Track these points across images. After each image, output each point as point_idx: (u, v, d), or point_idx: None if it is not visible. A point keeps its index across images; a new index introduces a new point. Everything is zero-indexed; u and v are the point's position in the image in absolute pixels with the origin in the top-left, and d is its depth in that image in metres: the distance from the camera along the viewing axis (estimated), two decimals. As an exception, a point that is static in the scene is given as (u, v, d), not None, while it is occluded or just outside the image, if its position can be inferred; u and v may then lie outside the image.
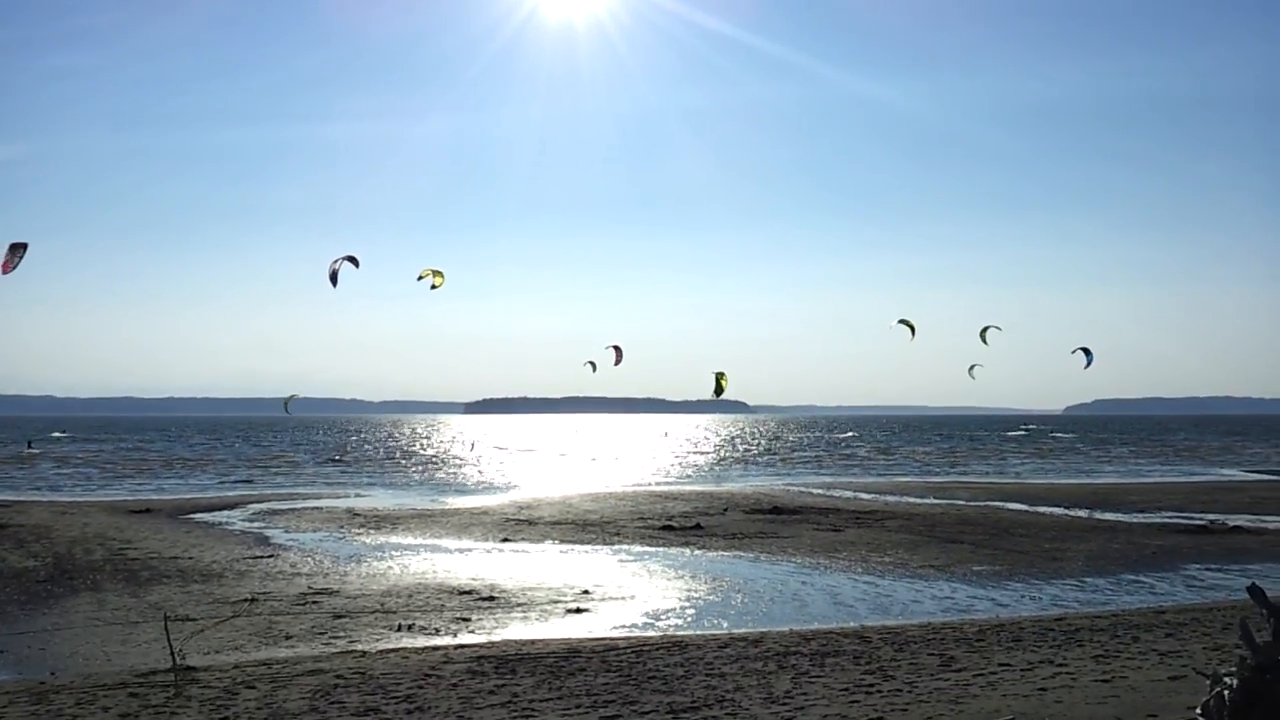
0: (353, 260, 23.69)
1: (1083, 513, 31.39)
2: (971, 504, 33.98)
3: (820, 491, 40.40)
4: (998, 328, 29.86)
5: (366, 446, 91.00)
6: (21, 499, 37.24)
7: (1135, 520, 29.18)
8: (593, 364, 39.14)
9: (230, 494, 40.13)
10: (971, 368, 34.62)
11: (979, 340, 29.94)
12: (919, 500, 35.95)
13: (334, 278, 23.58)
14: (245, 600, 16.75)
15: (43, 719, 9.53)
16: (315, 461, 65.15)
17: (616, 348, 27.14)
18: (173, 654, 11.72)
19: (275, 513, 32.11)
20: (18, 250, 21.03)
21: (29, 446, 78.52)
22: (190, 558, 21.59)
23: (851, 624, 14.92)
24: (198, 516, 30.85)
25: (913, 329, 29.96)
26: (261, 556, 21.91)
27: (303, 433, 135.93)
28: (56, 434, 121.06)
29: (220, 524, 28.99)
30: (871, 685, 10.46)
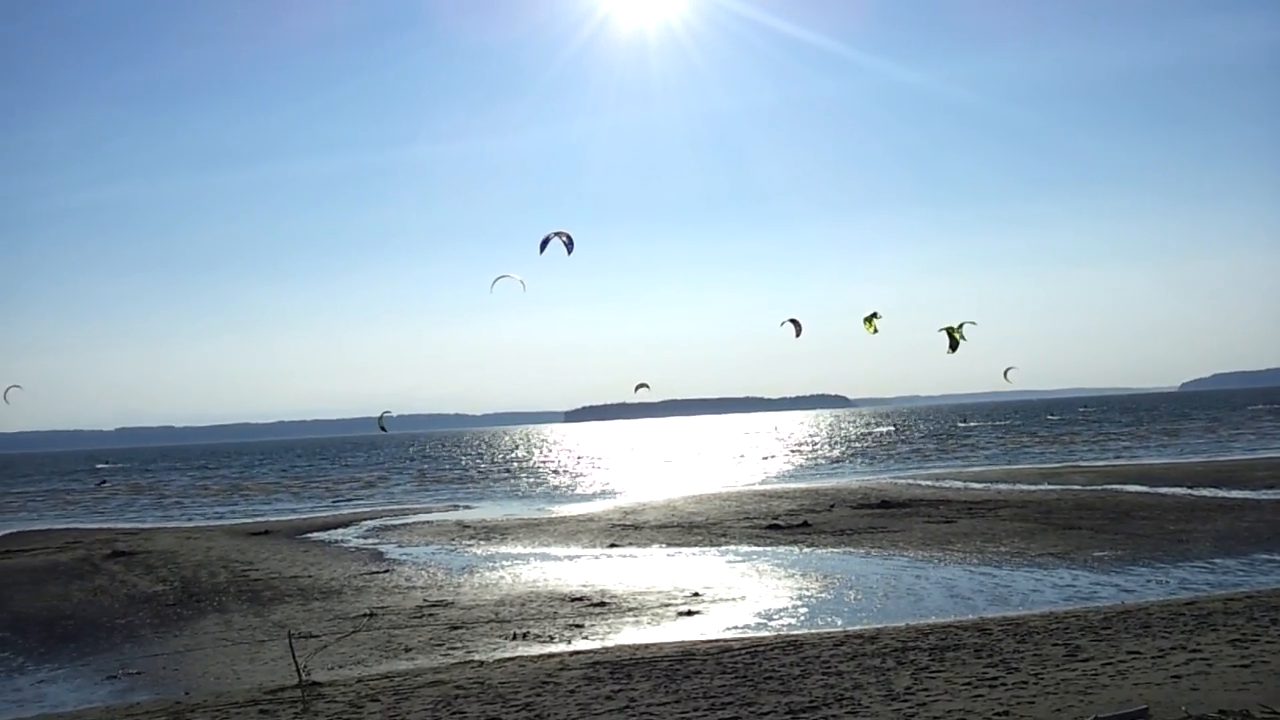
0: (567, 242, 24.12)
1: (1207, 492, 30.19)
2: (1088, 488, 32.95)
3: (928, 483, 39.64)
4: (973, 323, 28.58)
5: (470, 459, 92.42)
6: (148, 526, 38.77)
7: (1265, 497, 27.95)
8: (644, 385, 39.31)
9: (343, 512, 41.12)
10: (1006, 371, 33.28)
11: (944, 336, 28.62)
12: (1032, 487, 34.99)
13: (544, 244, 24.01)
14: (364, 615, 17.13)
15: (180, 737, 9.87)
16: (419, 476, 66.38)
17: (795, 321, 27.37)
18: (298, 670, 12.04)
19: (387, 528, 32.81)
20: None
21: (103, 482, 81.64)
22: (309, 576, 22.17)
23: (970, 616, 14.58)
24: (314, 535, 31.68)
25: (954, 339, 28.31)
26: (377, 572, 22.39)
27: (406, 449, 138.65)
28: (110, 465, 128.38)
29: (336, 542, 29.72)
30: (995, 679, 10.19)
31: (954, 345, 27.10)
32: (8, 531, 39.26)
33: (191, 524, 39.45)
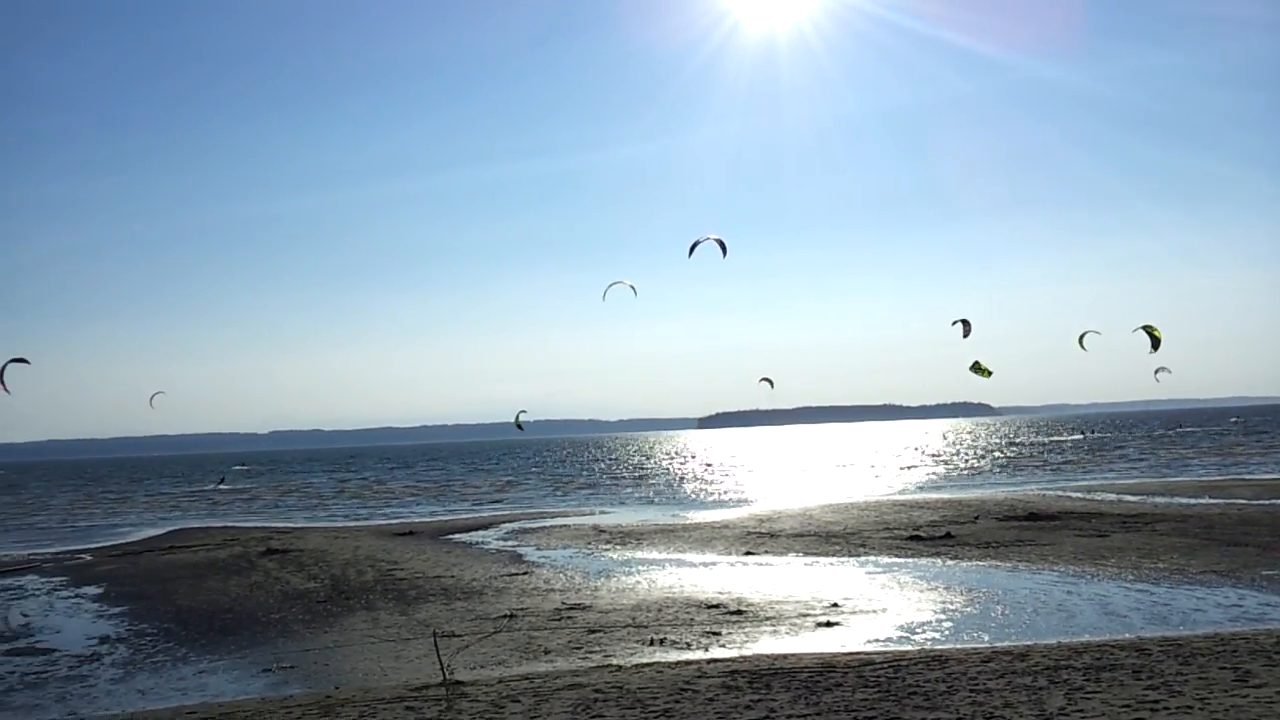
0: (721, 244, 24.55)
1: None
2: (1255, 503, 31.11)
3: (1079, 495, 38.10)
4: (1096, 332, 27.20)
5: (604, 464, 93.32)
6: (299, 526, 40.38)
7: None
8: (769, 381, 38.70)
9: (483, 515, 42.02)
10: (1157, 371, 31.53)
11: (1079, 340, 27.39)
12: (1192, 500, 33.25)
13: (693, 248, 24.49)
14: (505, 616, 17.42)
15: (331, 730, 10.19)
16: (554, 481, 67.32)
17: (965, 321, 27.12)
18: (442, 669, 12.32)
19: (526, 531, 33.35)
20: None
21: (221, 482, 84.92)
22: (452, 576, 22.69)
23: (1126, 635, 13.90)
24: (456, 537, 32.43)
25: (1155, 338, 27.23)
26: (516, 574, 22.76)
27: (540, 453, 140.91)
28: (245, 466, 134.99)
29: (476, 543, 30.36)
30: (1156, 702, 9.67)
31: (1155, 344, 26.15)
32: (170, 529, 41.48)
33: (339, 524, 40.91)
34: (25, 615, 20.40)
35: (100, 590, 23.51)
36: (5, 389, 26.30)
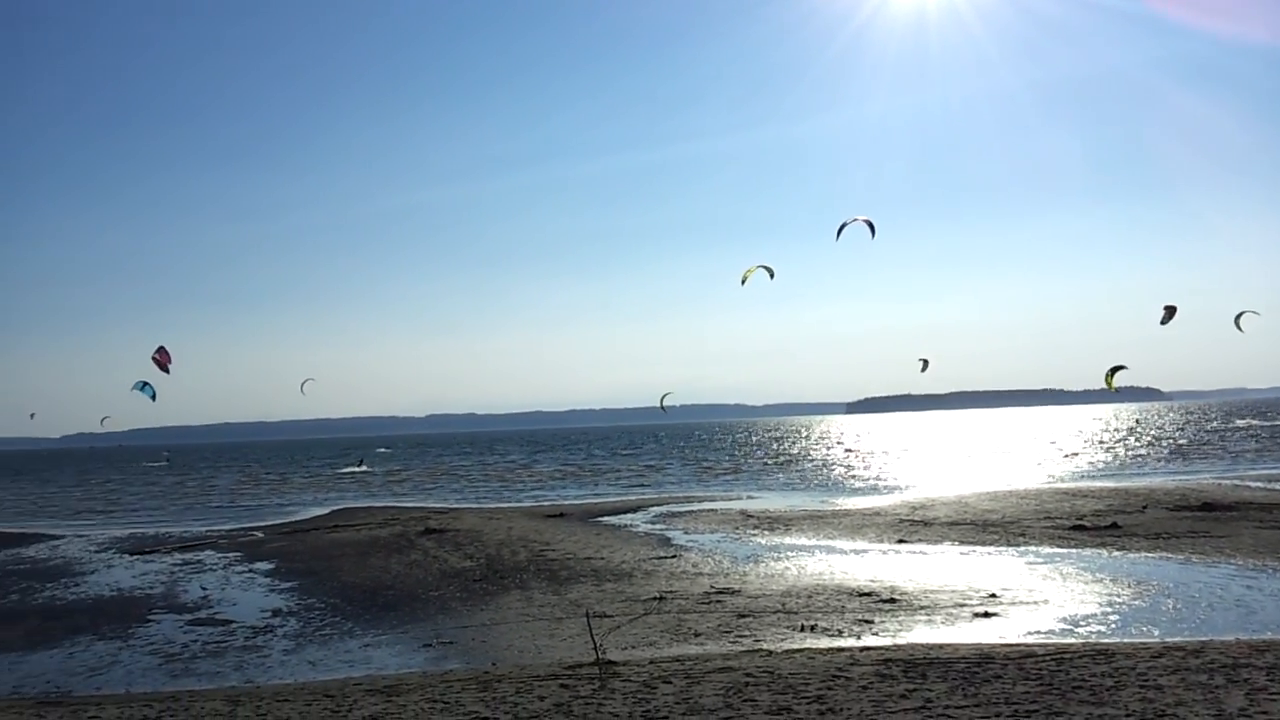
0: (870, 225, 24.53)
1: None
2: None
3: (1259, 485, 35.93)
4: (1255, 313, 25.63)
5: (751, 449, 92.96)
6: (455, 506, 41.63)
7: None
8: (925, 361, 37.57)
9: (631, 498, 42.45)
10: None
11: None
12: (1387, 492, 30.94)
13: (840, 231, 24.52)
14: (654, 599, 17.54)
15: (490, 704, 10.45)
16: (701, 465, 67.39)
17: (1171, 308, 26.37)
18: (595, 648, 12.49)
19: (673, 515, 33.53)
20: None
21: (360, 464, 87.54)
22: (602, 558, 23.00)
23: (1314, 634, 13.03)
24: (604, 520, 32.86)
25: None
26: (665, 557, 22.90)
27: (686, 437, 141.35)
28: (388, 449, 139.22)
29: (625, 526, 30.69)
30: (1350, 706, 9.02)
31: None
32: (334, 508, 43.36)
33: (491, 505, 41.98)
34: (204, 588, 21.65)
35: (271, 566, 24.76)
36: (167, 369, 28.37)
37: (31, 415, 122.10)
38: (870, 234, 24.94)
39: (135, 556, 27.89)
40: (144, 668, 14.44)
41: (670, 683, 11.04)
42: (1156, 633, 13.78)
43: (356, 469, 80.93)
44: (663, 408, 41.03)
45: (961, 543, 23.68)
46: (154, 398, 33.57)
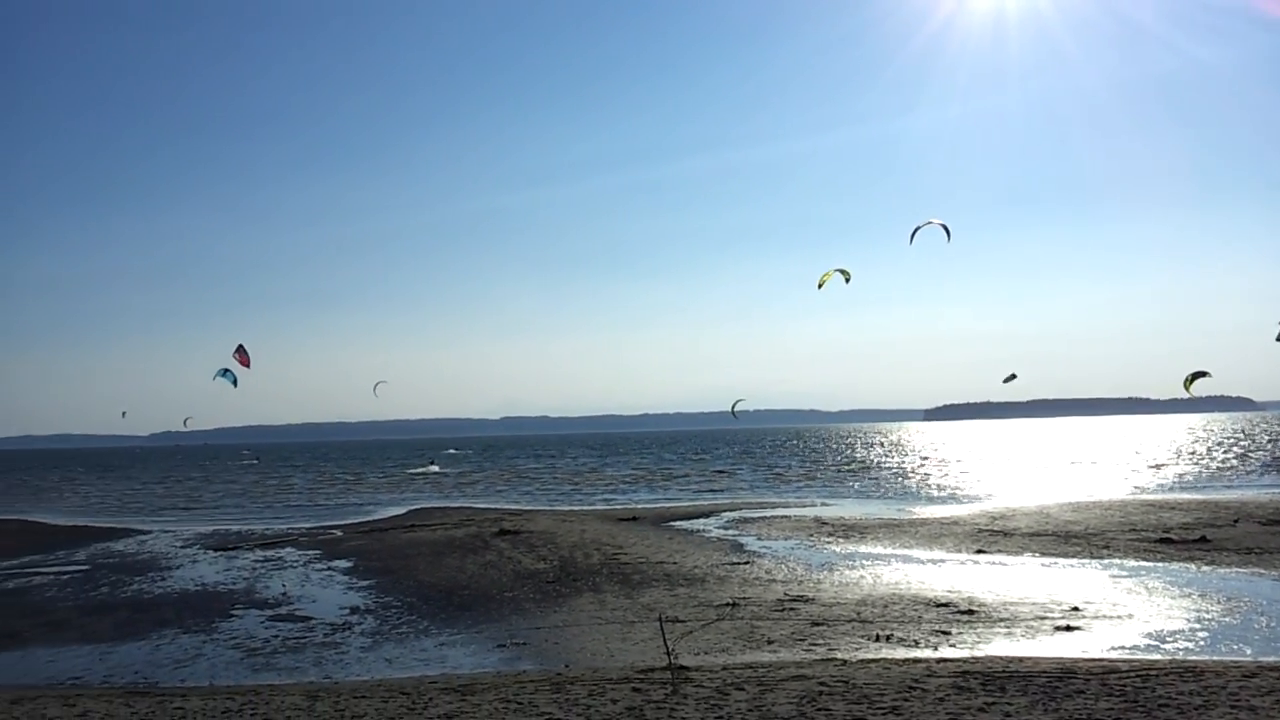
0: (945, 228, 24.39)
1: None
2: None
3: (1356, 499, 34.55)
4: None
5: (825, 455, 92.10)
6: (528, 508, 41.93)
7: None
8: (1012, 375, 36.73)
9: (703, 503, 42.33)
10: None
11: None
12: None
13: (914, 234, 24.39)
14: (727, 605, 17.46)
15: (563, 706, 10.49)
16: (773, 471, 66.95)
17: None
18: (668, 653, 12.46)
19: (746, 520, 33.36)
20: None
21: (431, 464, 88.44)
22: (674, 563, 22.96)
23: None
24: (677, 524, 32.82)
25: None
26: (738, 563, 22.79)
27: (759, 443, 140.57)
28: (458, 451, 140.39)
29: (697, 531, 30.61)
30: None
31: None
32: (410, 508, 43.98)
33: (564, 508, 42.19)
34: (285, 585, 22.10)
35: (350, 564, 25.19)
36: (247, 364, 29.45)
37: (123, 414, 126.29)
38: (946, 237, 24.55)
39: (219, 552, 28.61)
40: (226, 661, 14.79)
41: (743, 690, 10.97)
42: (1249, 651, 13.32)
43: (427, 470, 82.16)
44: (734, 414, 40.68)
45: (1042, 554, 23.17)
46: (235, 384, 34.78)
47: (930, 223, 25.03)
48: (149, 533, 36.00)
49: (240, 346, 30.39)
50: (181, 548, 30.44)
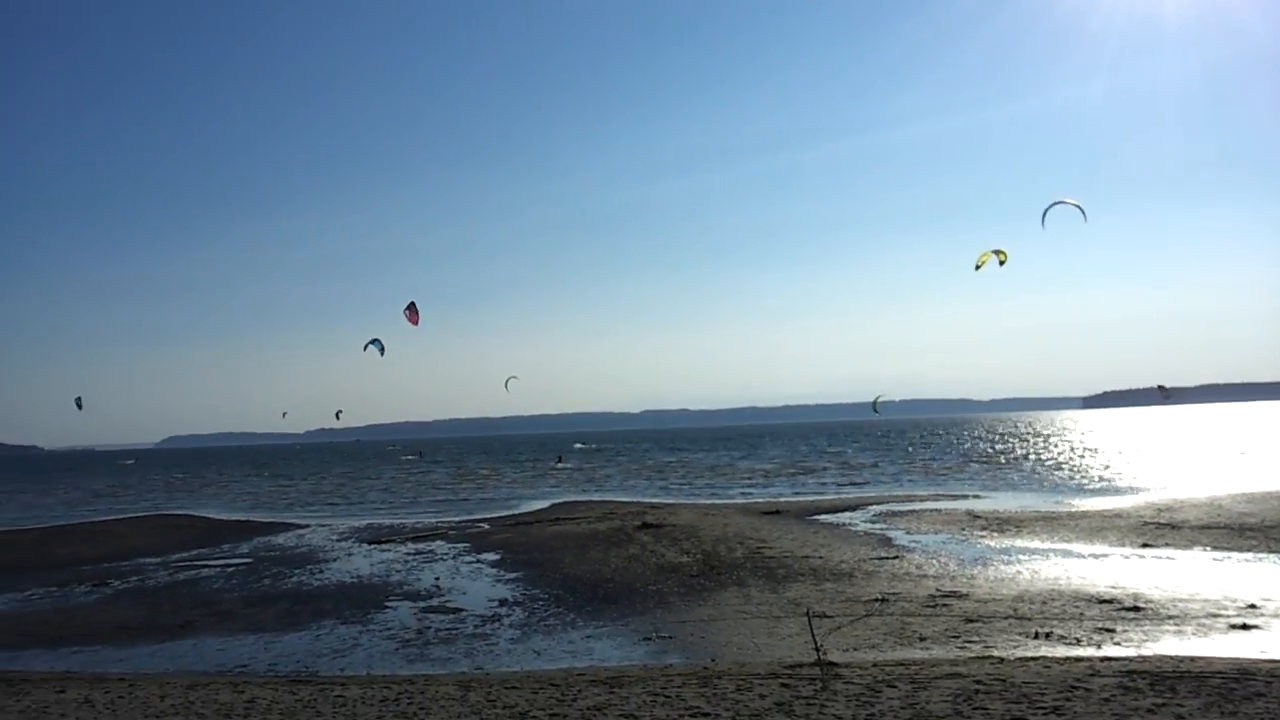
0: (1079, 208, 23.84)
1: None
2: None
3: None
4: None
5: (976, 446, 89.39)
6: (669, 502, 42.01)
7: None
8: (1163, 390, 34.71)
9: (848, 496, 41.61)
10: None
11: None
12: None
13: (1045, 216, 23.91)
14: (876, 600, 17.08)
15: (710, 700, 10.40)
16: (921, 463, 65.29)
17: None
18: (817, 648, 12.24)
19: (893, 514, 32.63)
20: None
21: (558, 460, 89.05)
22: (820, 557, 22.61)
23: None
24: (821, 518, 32.34)
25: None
26: (886, 557, 22.29)
27: (906, 434, 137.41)
28: (586, 445, 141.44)
29: (843, 525, 30.09)
30: None
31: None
32: (554, 502, 44.63)
33: (706, 501, 42.10)
34: (436, 577, 22.68)
35: (497, 557, 25.70)
36: (416, 321, 31.23)
37: (284, 414, 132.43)
38: (1082, 217, 23.54)
39: (372, 545, 29.60)
40: (382, 651, 15.24)
41: (895, 687, 10.67)
42: None
43: (556, 465, 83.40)
44: (875, 409, 39.74)
45: (1215, 548, 21.91)
46: (382, 352, 36.61)
47: (1063, 202, 24.04)
48: (306, 527, 37.55)
49: (412, 304, 32.05)
50: (337, 541, 31.63)
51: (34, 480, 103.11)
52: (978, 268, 25.71)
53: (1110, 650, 12.84)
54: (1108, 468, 54.22)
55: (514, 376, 43.02)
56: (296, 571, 24.68)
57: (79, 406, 52.59)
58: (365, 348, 36.41)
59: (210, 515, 45.80)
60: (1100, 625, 14.48)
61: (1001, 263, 25.48)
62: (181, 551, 30.47)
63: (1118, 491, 39.12)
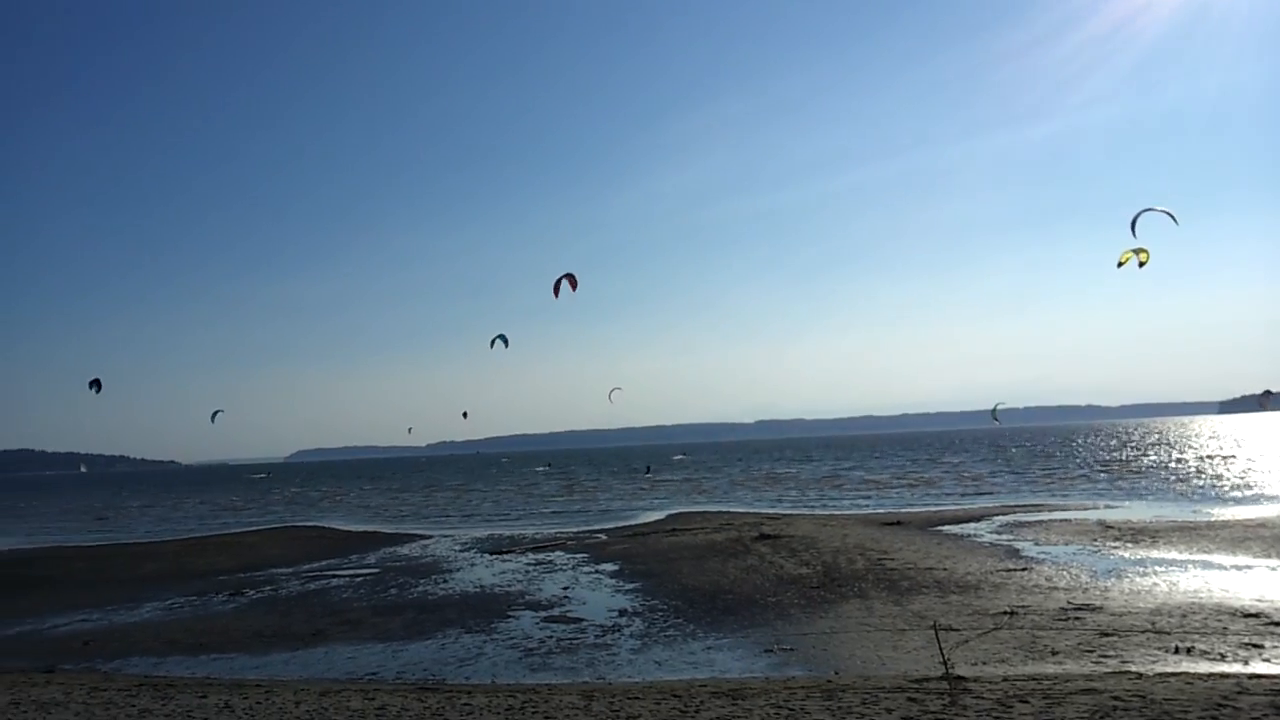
0: (1170, 215, 23.24)
1: None
2: None
3: None
4: None
5: (1103, 454, 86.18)
6: (787, 512, 41.59)
7: None
8: None
9: (972, 506, 40.55)
10: None
11: None
12: None
13: (1134, 224, 23.31)
14: (1004, 613, 16.60)
15: (835, 714, 10.25)
16: (1043, 472, 63.22)
17: None
18: (944, 662, 11.95)
19: (1021, 525, 31.68)
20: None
21: (647, 471, 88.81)
22: (944, 569, 22.09)
23: None
24: (945, 529, 31.60)
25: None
26: (1014, 569, 21.65)
27: (1027, 442, 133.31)
28: (677, 456, 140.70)
29: (968, 536, 29.35)
30: None
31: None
32: (669, 512, 44.63)
33: (823, 511, 41.55)
34: (560, 587, 22.89)
35: (616, 567, 25.82)
36: (574, 287, 32.88)
37: (409, 429, 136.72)
38: (1174, 223, 22.67)
39: (494, 556, 30.07)
40: (506, 660, 15.45)
41: (1027, 702, 10.35)
42: None
43: (645, 475, 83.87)
44: (995, 417, 38.63)
45: (1369, 560, 20.67)
46: (506, 344, 38.19)
47: (1152, 209, 23.20)
48: (430, 537, 38.35)
49: (570, 275, 33.55)
50: (460, 551, 32.22)
51: (173, 493, 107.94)
52: (1120, 264, 24.89)
53: (1258, 667, 12.22)
54: (1247, 475, 51.68)
55: (617, 388, 43.53)
56: (422, 581, 25.22)
57: (213, 420, 55.15)
58: (491, 344, 37.66)
59: (338, 526, 47.18)
60: (1246, 640, 13.80)
61: (1142, 264, 24.61)
62: (311, 562, 31.47)
63: (1260, 500, 37.24)
